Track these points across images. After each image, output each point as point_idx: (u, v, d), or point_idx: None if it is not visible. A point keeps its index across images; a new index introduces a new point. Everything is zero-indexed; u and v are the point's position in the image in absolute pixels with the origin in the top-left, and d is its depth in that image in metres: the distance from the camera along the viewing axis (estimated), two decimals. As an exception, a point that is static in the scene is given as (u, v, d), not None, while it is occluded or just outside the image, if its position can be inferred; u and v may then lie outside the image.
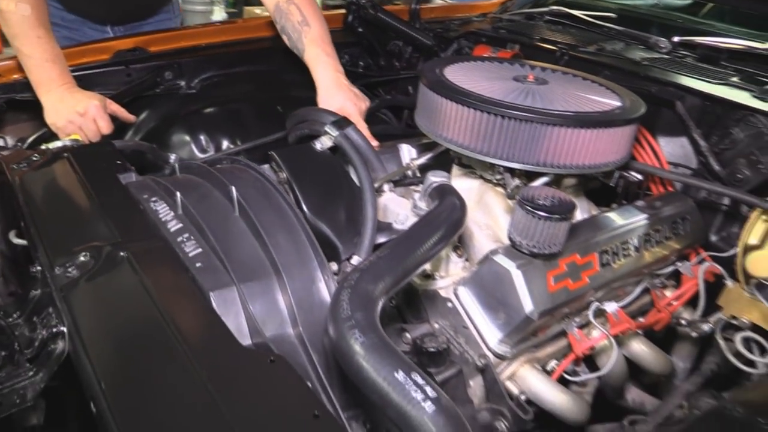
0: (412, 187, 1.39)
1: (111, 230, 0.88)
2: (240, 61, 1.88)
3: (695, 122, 1.50)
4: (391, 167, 1.41)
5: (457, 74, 1.32)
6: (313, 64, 1.62)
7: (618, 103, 1.24)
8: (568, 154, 1.13)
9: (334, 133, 1.29)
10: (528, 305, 1.01)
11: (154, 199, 0.98)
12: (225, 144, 1.68)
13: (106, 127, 1.48)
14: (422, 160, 1.37)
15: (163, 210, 0.95)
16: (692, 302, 1.35)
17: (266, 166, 1.28)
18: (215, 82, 1.82)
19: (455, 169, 1.39)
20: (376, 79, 2.12)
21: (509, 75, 1.33)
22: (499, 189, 1.27)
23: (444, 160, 1.37)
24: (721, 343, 1.23)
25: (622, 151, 1.21)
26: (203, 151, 1.68)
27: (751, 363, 1.20)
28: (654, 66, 1.67)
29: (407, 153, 1.45)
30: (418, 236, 0.94)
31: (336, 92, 1.57)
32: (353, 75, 2.09)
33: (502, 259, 1.03)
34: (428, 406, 0.65)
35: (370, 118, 1.85)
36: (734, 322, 1.24)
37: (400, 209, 1.26)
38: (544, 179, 1.18)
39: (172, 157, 1.50)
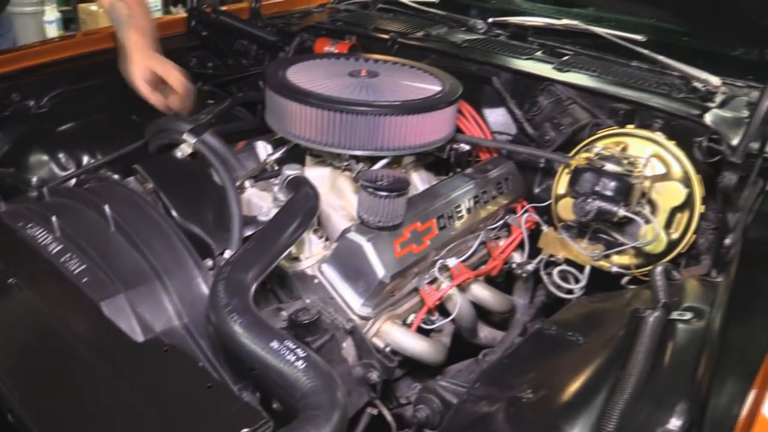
0: (272, 181, 1.53)
1: (-7, 260, 0.95)
2: (88, 74, 1.90)
3: (510, 94, 1.75)
4: (250, 164, 1.54)
5: (298, 75, 1.46)
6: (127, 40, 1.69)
7: (439, 88, 1.44)
8: (401, 138, 1.32)
9: (192, 140, 1.40)
10: (380, 271, 1.20)
11: (30, 225, 1.05)
12: (85, 159, 1.71)
13: None
14: (277, 155, 1.51)
15: (41, 235, 1.03)
16: (523, 248, 1.61)
17: (132, 179, 1.37)
18: (66, 99, 1.84)
19: (308, 160, 1.54)
20: (225, 78, 2.21)
21: (345, 71, 1.50)
22: (348, 173, 1.45)
23: (297, 152, 1.52)
24: (545, 278, 1.49)
25: (446, 129, 1.42)
26: (63, 168, 1.70)
27: (569, 291, 1.47)
28: (473, 47, 1.90)
29: (263, 149, 1.58)
30: (278, 226, 1.10)
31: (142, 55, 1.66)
32: (203, 76, 2.18)
33: (354, 236, 1.21)
34: (300, 364, 0.81)
35: (226, 117, 1.97)
36: (552, 259, 1.50)
37: (262, 203, 1.40)
38: (383, 161, 1.37)
39: (34, 179, 1.53)
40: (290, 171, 1.34)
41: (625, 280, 1.47)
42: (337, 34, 2.11)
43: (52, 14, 6.20)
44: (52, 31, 6.52)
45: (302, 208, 1.17)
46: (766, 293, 1.00)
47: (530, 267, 1.50)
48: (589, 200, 1.27)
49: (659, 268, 1.18)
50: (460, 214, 1.41)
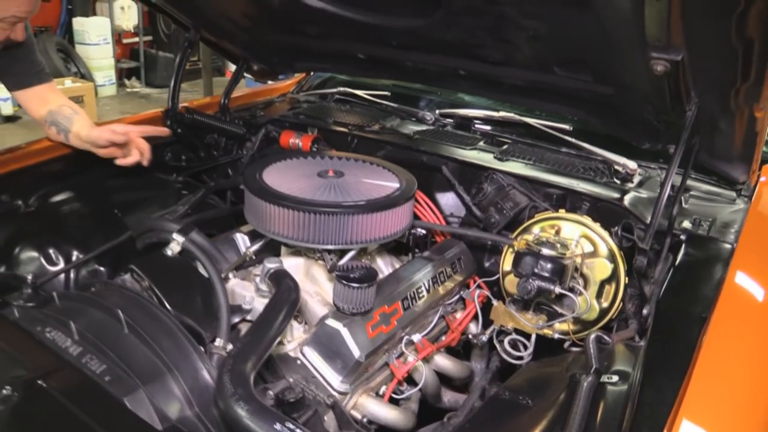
0: (251, 269, 1.71)
1: (20, 364, 1.09)
2: (72, 173, 2.05)
3: (458, 181, 1.99)
4: (231, 255, 1.71)
5: (273, 176, 1.66)
6: (82, 126, 1.94)
7: (396, 185, 1.66)
8: (367, 233, 1.52)
9: (181, 239, 1.57)
10: (356, 351, 1.38)
11: (48, 329, 1.19)
12: (74, 254, 1.85)
13: None
14: (256, 247, 1.69)
15: (60, 338, 1.17)
16: (477, 319, 1.81)
17: (127, 277, 1.53)
18: (53, 196, 1.98)
19: (283, 250, 1.73)
20: (198, 168, 2.40)
21: (314, 171, 1.70)
22: (321, 262, 1.64)
23: (273, 244, 1.70)
24: (498, 346, 1.70)
25: (406, 221, 1.63)
26: (53, 263, 1.83)
27: (519, 357, 1.68)
28: (424, 138, 2.14)
29: (241, 241, 1.77)
30: (269, 321, 1.27)
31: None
32: (177, 168, 2.36)
33: (332, 322, 1.39)
34: (301, 442, 0.98)
35: (200, 206, 2.15)
36: (503, 329, 1.71)
37: (245, 292, 1.58)
38: (352, 253, 1.57)
39: (29, 277, 1.66)
40: (271, 264, 1.52)
41: (566, 344, 1.69)
42: (300, 127, 2.34)
43: (5, 92, 6.31)
44: (7, 108, 6.61)
45: (286, 301, 1.35)
46: (674, 356, 1.22)
47: (485, 338, 1.70)
48: (530, 280, 1.49)
49: (592, 337, 1.39)
50: (421, 295, 1.62)
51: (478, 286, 1.86)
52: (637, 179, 1.94)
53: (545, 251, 1.54)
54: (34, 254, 1.84)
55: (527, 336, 1.69)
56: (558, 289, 1.49)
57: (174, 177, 2.30)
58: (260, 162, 1.73)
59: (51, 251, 1.85)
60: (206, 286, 1.53)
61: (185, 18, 2.10)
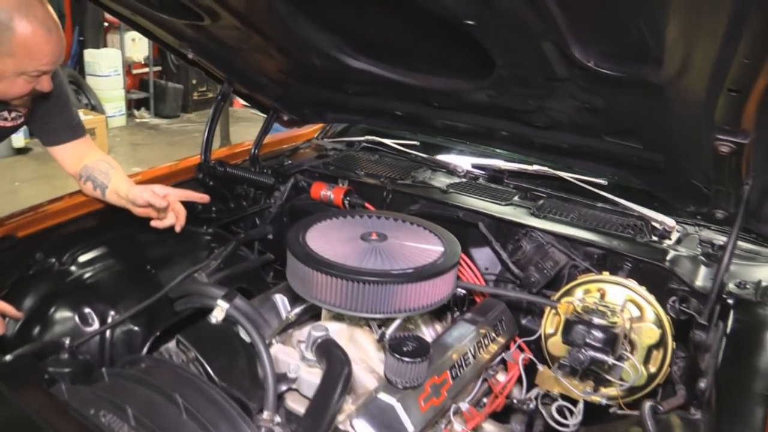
0: (292, 332, 1.69)
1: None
2: (104, 229, 2.04)
3: (494, 237, 1.97)
4: (271, 318, 1.69)
5: (316, 240, 1.64)
6: (119, 182, 1.97)
7: (441, 248, 1.65)
8: (414, 301, 1.50)
9: (225, 306, 1.54)
10: (410, 427, 1.35)
11: (102, 413, 1.17)
12: (110, 313, 1.82)
13: (0, 329, 1.58)
14: (297, 310, 1.67)
15: (116, 423, 1.14)
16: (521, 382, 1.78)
17: (172, 346, 1.50)
18: (85, 254, 1.96)
19: (324, 313, 1.71)
20: (227, 219, 2.38)
21: (357, 233, 1.68)
22: (366, 328, 1.62)
23: (314, 306, 1.68)
24: (543, 411, 1.67)
25: (451, 287, 1.61)
26: (88, 324, 1.80)
27: (566, 425, 1.65)
28: (457, 192, 2.13)
29: (281, 303, 1.74)
30: (326, 400, 1.25)
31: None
32: (207, 220, 2.35)
33: (385, 396, 1.37)
34: None
35: (231, 258, 2.13)
36: (549, 394, 1.68)
37: (290, 359, 1.55)
38: (398, 321, 1.54)
39: (67, 341, 1.64)
40: (317, 333, 1.50)
41: (612, 409, 1.66)
42: (330, 178, 2.33)
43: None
44: (18, 141, 6.62)
45: (341, 376, 1.33)
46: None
47: (531, 405, 1.67)
48: (583, 351, 1.47)
49: (647, 406, 1.37)
50: (468, 361, 1.59)
51: (519, 347, 1.83)
52: (675, 236, 1.93)
53: (596, 320, 1.51)
54: (69, 314, 1.82)
55: (573, 401, 1.67)
56: (612, 361, 1.47)
57: (204, 229, 2.29)
58: (302, 224, 1.71)
59: (86, 311, 1.82)
60: (250, 353, 1.51)
61: (220, 72, 2.10)
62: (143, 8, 1.70)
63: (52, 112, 1.94)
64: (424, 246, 1.65)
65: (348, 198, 2.21)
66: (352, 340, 1.62)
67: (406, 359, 1.34)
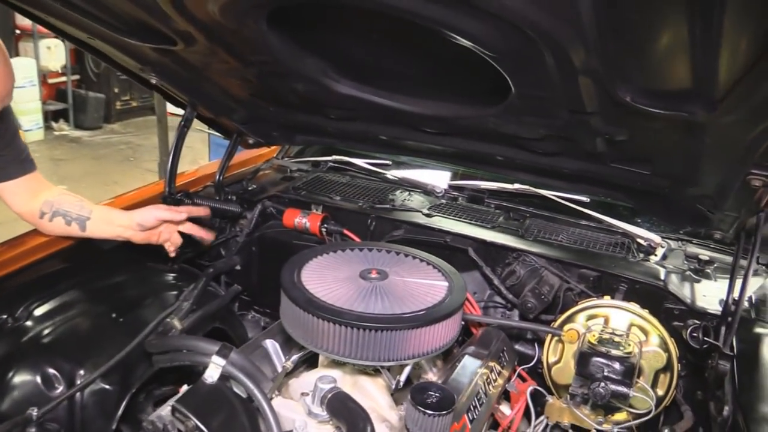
0: (287, 381, 1.56)
1: None
2: (59, 276, 1.84)
3: (483, 261, 1.91)
4: (265, 366, 1.57)
5: (312, 281, 1.53)
6: (105, 211, 1.87)
7: (445, 283, 1.57)
8: (429, 344, 1.42)
9: (221, 363, 1.41)
10: (437, 481, 1.26)
11: None
12: (78, 373, 1.63)
13: None
14: (294, 358, 1.55)
15: None
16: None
17: (165, 414, 1.35)
18: (42, 306, 1.76)
19: (322, 358, 1.59)
20: (192, 254, 2.22)
21: (354, 271, 1.58)
22: (372, 374, 1.51)
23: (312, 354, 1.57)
24: (554, 444, 1.62)
25: (459, 324, 1.54)
26: (53, 387, 1.61)
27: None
28: (440, 216, 2.05)
29: (272, 349, 1.61)
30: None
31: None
32: (172, 258, 2.18)
33: (411, 454, 1.27)
34: None
35: (202, 297, 1.98)
36: (560, 425, 1.64)
37: (294, 415, 1.43)
38: (409, 368, 1.45)
39: (34, 412, 1.46)
40: (324, 385, 1.39)
41: (621, 434, 1.63)
42: (302, 204, 2.20)
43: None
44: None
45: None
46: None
47: (542, 438, 1.62)
48: (603, 384, 1.43)
49: None
50: (481, 401, 1.52)
51: (520, 376, 1.78)
52: (660, 252, 1.93)
53: (613, 351, 1.47)
54: (30, 378, 1.61)
55: (583, 430, 1.63)
56: (632, 393, 1.43)
57: (169, 265, 2.11)
58: (293, 263, 1.59)
59: (50, 372, 1.63)
60: (249, 410, 1.39)
61: (184, 96, 1.94)
62: (105, 32, 1.52)
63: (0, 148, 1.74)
64: (428, 282, 1.57)
65: (326, 225, 2.10)
66: (357, 387, 1.51)
67: (432, 413, 1.25)
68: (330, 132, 1.94)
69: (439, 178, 2.36)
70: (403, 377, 1.44)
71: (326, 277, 1.56)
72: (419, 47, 1.38)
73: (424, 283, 1.56)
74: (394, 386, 1.45)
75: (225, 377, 1.44)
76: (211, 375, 1.41)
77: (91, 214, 1.83)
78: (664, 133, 1.15)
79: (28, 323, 1.72)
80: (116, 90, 8.39)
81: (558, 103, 1.18)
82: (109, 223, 1.84)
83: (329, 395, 1.37)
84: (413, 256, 1.70)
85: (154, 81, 1.80)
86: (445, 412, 1.26)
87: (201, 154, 7.20)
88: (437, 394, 1.29)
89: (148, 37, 1.51)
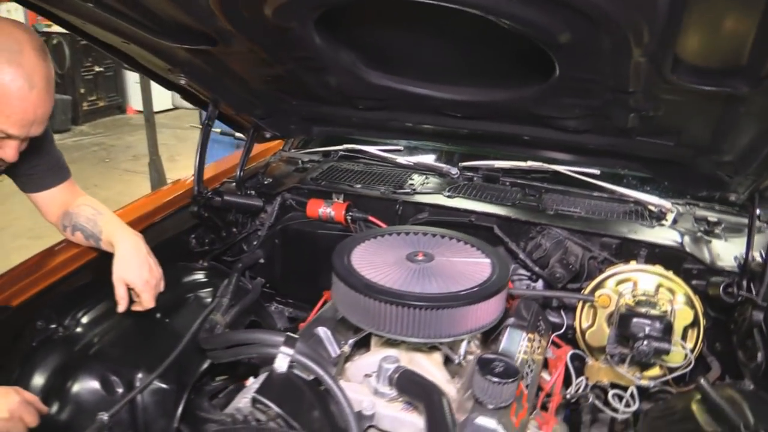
0: (344, 366, 1.63)
1: None
2: (100, 282, 1.86)
3: (507, 237, 2.00)
4: (322, 353, 1.63)
5: (363, 265, 1.59)
6: (112, 231, 1.78)
7: (487, 260, 1.65)
8: (484, 318, 1.51)
9: (290, 353, 1.46)
10: (510, 446, 1.36)
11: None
12: (139, 376, 1.67)
13: (34, 420, 1.41)
14: (351, 341, 1.62)
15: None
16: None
17: (244, 406, 1.41)
18: (88, 313, 1.78)
19: (375, 340, 1.67)
20: (220, 249, 2.26)
21: (401, 254, 1.65)
22: (424, 349, 1.59)
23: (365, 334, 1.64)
24: (597, 402, 1.72)
25: (506, 298, 1.63)
26: (113, 391, 1.65)
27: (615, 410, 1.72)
28: (460, 196, 2.13)
29: (325, 337, 1.67)
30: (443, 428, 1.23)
31: (135, 257, 1.74)
32: (202, 254, 2.22)
33: (484, 420, 1.35)
34: None
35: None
36: (599, 384, 1.75)
37: (360, 396, 1.50)
38: (465, 343, 1.54)
39: (105, 417, 1.50)
40: (389, 364, 1.47)
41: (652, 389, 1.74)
42: (322, 194, 2.26)
43: None
44: None
45: (442, 405, 1.31)
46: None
47: (591, 398, 1.71)
48: (645, 343, 1.53)
49: (702, 381, 1.44)
50: (531, 368, 1.61)
51: (554, 343, 1.88)
52: (670, 216, 2.05)
53: (651, 311, 1.58)
54: (90, 384, 1.65)
55: (622, 388, 1.74)
56: (673, 348, 1.54)
57: (200, 263, 2.16)
58: (340, 252, 1.65)
59: (109, 377, 1.66)
60: (320, 395, 1.45)
61: (208, 94, 1.96)
62: (142, 35, 1.54)
63: (36, 157, 1.74)
64: (473, 260, 1.65)
65: (350, 213, 2.16)
66: (413, 364, 1.59)
67: (500, 380, 1.34)
68: (353, 122, 1.99)
69: (450, 160, 2.43)
70: (461, 351, 1.52)
71: (375, 263, 1.63)
72: (453, 34, 1.44)
73: (469, 261, 1.64)
74: (456, 360, 1.53)
75: (291, 367, 1.50)
76: (281, 365, 1.47)
77: (101, 235, 1.81)
78: (700, 106, 1.23)
79: (78, 330, 1.75)
80: (82, 90, 8.22)
81: (602, 85, 1.25)
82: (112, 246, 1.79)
83: (396, 374, 1.45)
84: (450, 236, 1.78)
85: (182, 82, 1.83)
86: (512, 379, 1.35)
87: (177, 150, 7.14)
88: (502, 364, 1.38)
89: (184, 38, 1.53)
